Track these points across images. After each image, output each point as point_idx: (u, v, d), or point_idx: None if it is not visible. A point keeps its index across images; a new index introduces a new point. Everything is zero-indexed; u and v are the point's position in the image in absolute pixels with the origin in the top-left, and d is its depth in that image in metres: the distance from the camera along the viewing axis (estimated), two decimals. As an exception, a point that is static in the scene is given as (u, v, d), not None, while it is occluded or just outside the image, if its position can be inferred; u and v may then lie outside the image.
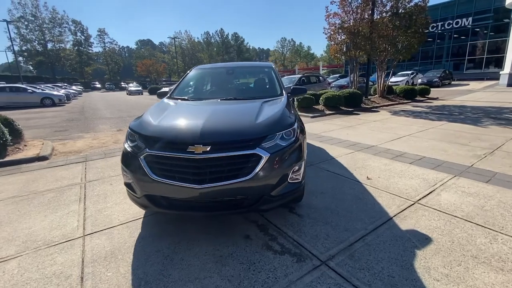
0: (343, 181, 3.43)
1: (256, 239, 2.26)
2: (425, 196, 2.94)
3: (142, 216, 2.71)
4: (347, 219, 2.52)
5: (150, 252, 2.14)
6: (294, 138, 2.27)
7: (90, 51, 58.96)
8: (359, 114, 9.85)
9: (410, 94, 13.87)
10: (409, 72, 23.85)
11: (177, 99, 3.15)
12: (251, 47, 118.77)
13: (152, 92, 30.30)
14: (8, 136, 5.16)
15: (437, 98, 14.52)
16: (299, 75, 14.36)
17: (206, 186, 1.96)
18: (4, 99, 16.06)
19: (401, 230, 2.31)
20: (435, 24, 29.20)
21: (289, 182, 2.23)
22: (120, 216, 2.73)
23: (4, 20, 28.23)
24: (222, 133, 2.08)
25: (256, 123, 2.20)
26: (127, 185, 2.30)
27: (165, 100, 3.11)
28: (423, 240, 2.17)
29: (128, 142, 2.30)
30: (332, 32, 12.13)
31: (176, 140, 2.06)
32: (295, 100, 5.16)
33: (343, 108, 10.81)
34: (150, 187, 2.08)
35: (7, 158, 4.81)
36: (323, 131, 6.71)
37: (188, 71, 3.82)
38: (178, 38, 66.68)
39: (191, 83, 3.57)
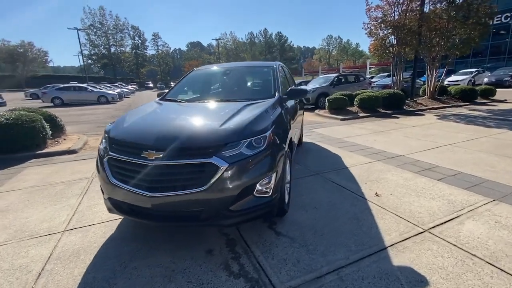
0: (346, 196, 3.01)
1: (217, 255, 2.06)
2: (441, 224, 2.38)
3: (122, 217, 2.72)
4: (330, 243, 2.16)
5: (110, 256, 2.10)
6: (264, 147, 2.00)
7: (145, 54, 64.82)
8: (398, 117, 8.82)
9: (468, 95, 11.98)
10: (473, 70, 20.66)
11: (167, 100, 3.11)
12: (296, 46, 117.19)
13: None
14: (48, 130, 5.82)
15: (505, 100, 12.26)
16: (335, 74, 13.51)
17: (158, 194, 1.84)
18: (69, 97, 18.53)
19: (392, 266, 1.87)
20: (509, 14, 24.84)
21: (256, 196, 1.98)
22: (104, 214, 2.78)
23: (75, 28, 32.88)
24: (178, 138, 1.93)
25: (219, 129, 2.00)
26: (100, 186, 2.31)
27: (155, 101, 3.10)
28: (416, 283, 1.71)
29: (101, 143, 2.31)
30: (373, 27, 11.09)
31: (132, 144, 1.98)
32: (302, 101, 4.75)
33: (381, 110, 9.81)
34: (111, 190, 2.04)
35: (44, 150, 5.42)
36: (348, 136, 6.12)
37: (189, 72, 3.78)
38: (223, 39, 69.19)
39: (188, 83, 3.51)
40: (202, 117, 2.33)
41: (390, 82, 13.74)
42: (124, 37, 59.82)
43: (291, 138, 2.83)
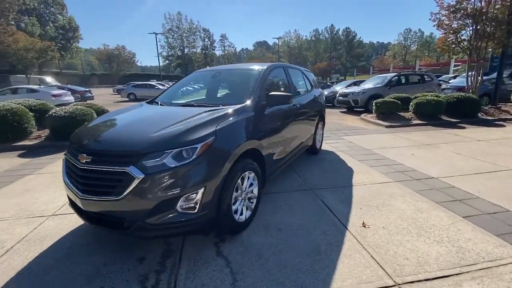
0: (324, 221, 2.57)
1: (145, 265, 2.00)
2: (426, 280, 1.79)
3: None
4: (264, 277, 1.86)
5: (64, 246, 2.27)
6: (192, 159, 1.85)
7: (213, 54, 69.74)
8: (464, 128, 7.19)
9: None
10: None
11: (151, 102, 3.18)
12: (368, 42, 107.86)
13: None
14: (98, 123, 6.78)
15: None
16: (393, 74, 11.85)
17: (85, 197, 1.89)
18: (140, 93, 21.43)
19: (316, 324, 1.49)
20: None
21: (179, 212, 1.85)
22: (89, 205, 3.05)
23: (154, 33, 37.71)
24: (105, 144, 1.93)
25: (147, 137, 1.92)
26: None
27: (141, 103, 3.21)
28: None
29: None
30: (444, 18, 9.26)
31: (74, 146, 2.08)
32: (319, 104, 4.20)
33: (444, 118, 8.17)
34: (65, 187, 2.20)
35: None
36: (381, 147, 5.28)
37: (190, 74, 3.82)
38: (286, 37, 68.93)
39: (180, 86, 3.53)
40: (151, 123, 2.27)
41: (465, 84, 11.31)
42: (196, 39, 65.62)
43: (269, 152, 2.58)
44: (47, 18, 38.44)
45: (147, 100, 3.25)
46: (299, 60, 68.70)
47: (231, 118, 2.27)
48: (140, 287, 1.80)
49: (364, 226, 2.46)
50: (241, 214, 2.38)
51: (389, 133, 6.80)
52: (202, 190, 1.87)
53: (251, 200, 2.56)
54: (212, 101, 2.97)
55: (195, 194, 1.85)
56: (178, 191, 1.81)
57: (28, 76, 28.37)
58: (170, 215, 1.83)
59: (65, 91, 15.49)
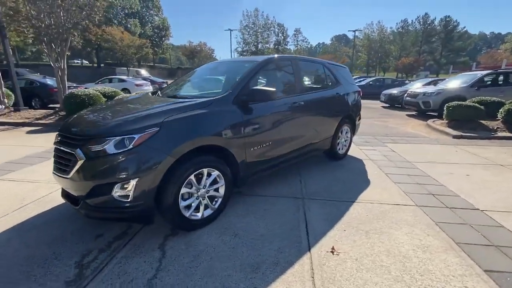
0: (290, 236, 2.25)
1: (94, 243, 2.15)
2: None
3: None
4: (183, 283, 1.75)
5: (49, 213, 2.65)
6: (128, 148, 1.86)
7: (286, 49, 69.57)
8: None
9: None
10: None
11: (155, 93, 3.32)
12: (476, 33, 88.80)
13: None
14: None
15: None
16: (485, 72, 9.35)
17: (55, 173, 2.14)
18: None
19: None
20: None
21: (115, 198, 1.90)
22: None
23: (229, 29, 40.08)
24: (69, 128, 2.12)
25: (102, 123, 2.03)
26: None
27: (145, 92, 3.39)
28: None
29: None
30: None
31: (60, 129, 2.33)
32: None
33: (551, 132, 6.04)
34: None
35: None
36: (428, 161, 4.28)
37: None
38: (367, 30, 62.63)
39: (186, 78, 3.58)
40: (120, 112, 2.32)
41: None
42: (269, 35, 66.64)
43: (246, 151, 2.45)
44: (147, 19, 45.55)
45: (152, 90, 3.44)
46: (380, 55, 61.76)
47: (189, 111, 2.19)
48: (79, 259, 1.96)
49: (332, 252, 2.04)
50: (196, 211, 2.30)
51: (452, 145, 5.45)
52: (135, 180, 1.87)
53: (216, 199, 2.44)
54: (198, 94, 2.92)
55: (128, 184, 1.87)
56: (113, 178, 1.86)
57: (128, 68, 34.30)
58: (106, 200, 1.90)
59: (146, 82, 18.08)
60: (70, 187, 2.04)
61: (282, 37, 67.40)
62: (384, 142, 5.56)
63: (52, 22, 7.55)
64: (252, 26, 64.32)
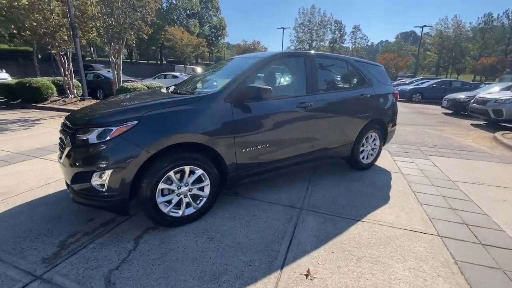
0: (268, 249, 2.04)
1: (83, 226, 2.28)
2: None
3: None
4: (140, 280, 1.72)
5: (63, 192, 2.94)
6: (105, 140, 1.91)
7: (341, 47, 66.10)
8: None
9: None
10: None
11: (168, 88, 3.39)
12: None
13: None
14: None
15: None
16: None
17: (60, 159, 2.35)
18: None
19: None
20: None
21: (93, 186, 1.98)
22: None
23: (281, 27, 39.64)
24: (70, 117, 2.28)
25: (94, 114, 2.13)
26: None
27: (158, 88, 3.48)
28: None
29: None
30: None
31: None
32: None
33: None
34: None
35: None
36: (475, 182, 3.50)
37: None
38: (440, 26, 55.00)
39: (201, 74, 3.55)
40: (117, 104, 2.40)
41: None
42: (325, 32, 64.14)
43: (236, 151, 2.35)
44: (206, 19, 48.29)
45: (169, 86, 3.55)
46: (454, 54, 53.82)
47: (171, 107, 2.15)
48: (64, 238, 2.11)
49: (307, 276, 1.77)
50: (177, 208, 2.26)
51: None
52: (110, 171, 1.91)
53: (200, 198, 2.38)
54: (200, 90, 2.87)
55: (103, 174, 1.92)
56: (92, 166, 1.93)
57: (185, 66, 36.97)
58: (87, 187, 1.99)
59: (196, 78, 19.17)
60: (62, 172, 2.20)
61: (339, 35, 64.24)
62: (427, 154, 4.76)
63: (112, 22, 8.51)
64: (308, 23, 62.79)
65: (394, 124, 4.08)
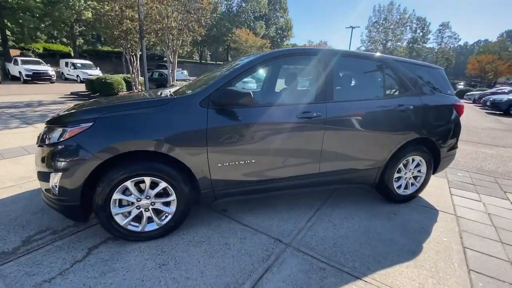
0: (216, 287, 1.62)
1: (56, 222, 2.27)
2: None
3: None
4: (57, 300, 1.53)
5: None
6: (60, 141, 1.81)
7: (423, 48, 57.79)
8: None
9: None
10: None
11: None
12: None
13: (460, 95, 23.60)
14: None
15: None
16: None
17: None
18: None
19: None
20: None
21: (52, 187, 1.89)
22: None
23: (350, 27, 36.65)
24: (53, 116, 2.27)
25: (66, 112, 2.05)
26: None
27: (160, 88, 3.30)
28: None
29: None
30: None
31: None
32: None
33: None
34: None
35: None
36: None
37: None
38: None
39: (209, 74, 3.25)
40: (93, 104, 2.33)
41: None
42: (404, 31, 57.06)
43: (208, 164, 2.04)
44: (273, 21, 48.73)
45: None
46: None
47: (133, 109, 1.91)
48: (33, 233, 2.12)
49: None
50: (138, 222, 2.04)
51: None
52: (59, 174, 1.79)
53: (166, 215, 2.10)
54: (188, 92, 2.58)
55: (56, 176, 1.81)
56: (47, 167, 1.85)
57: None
58: (46, 187, 1.93)
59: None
60: None
61: (421, 34, 56.36)
62: (506, 192, 3.46)
63: (172, 23, 9.12)
64: (383, 22, 57.01)
65: (454, 147, 3.05)
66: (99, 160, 1.79)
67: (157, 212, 2.09)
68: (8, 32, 22.65)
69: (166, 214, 2.10)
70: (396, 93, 2.73)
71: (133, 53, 11.16)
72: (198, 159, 2.00)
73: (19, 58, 18.24)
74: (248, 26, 43.79)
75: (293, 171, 2.36)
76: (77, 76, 19.68)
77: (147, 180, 1.95)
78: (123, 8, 9.53)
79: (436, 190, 3.34)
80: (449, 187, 3.51)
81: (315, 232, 2.33)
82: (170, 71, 9.96)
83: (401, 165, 2.80)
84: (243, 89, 1.95)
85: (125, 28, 9.93)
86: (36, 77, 17.33)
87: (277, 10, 49.29)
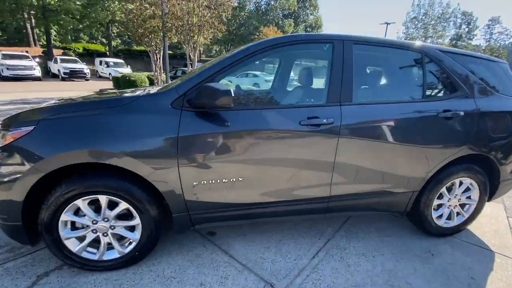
0: None
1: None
2: None
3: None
4: None
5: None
6: (1, 146, 1.46)
7: (468, 45, 52.43)
8: None
9: None
10: None
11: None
12: None
13: None
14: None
15: None
16: None
17: None
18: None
19: None
20: None
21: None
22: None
23: (385, 23, 34.18)
24: None
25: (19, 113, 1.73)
26: None
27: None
28: None
29: None
30: None
31: None
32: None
33: None
34: None
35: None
36: None
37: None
38: None
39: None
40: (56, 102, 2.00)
41: None
42: (446, 27, 52.31)
43: (180, 182, 1.60)
44: (302, 18, 47.39)
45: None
46: None
47: (86, 110, 1.52)
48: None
49: None
50: (95, 249, 1.66)
51: None
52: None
53: (130, 241, 1.70)
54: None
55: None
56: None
57: (274, 65, 37.45)
58: None
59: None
60: None
61: (466, 30, 51.21)
62: None
63: (194, 20, 8.91)
64: (422, 18, 52.76)
65: (522, 168, 2.29)
66: (39, 174, 1.43)
67: (120, 237, 1.70)
68: (54, 33, 24.62)
69: (130, 241, 1.70)
70: (441, 94, 2.06)
71: (156, 51, 11.22)
72: (166, 176, 1.56)
73: (58, 57, 19.53)
74: (276, 24, 43.08)
75: (295, 193, 1.83)
76: (109, 74, 20.59)
77: (103, 199, 1.55)
78: (147, 5, 9.54)
79: (489, 221, 2.59)
80: (507, 217, 2.72)
81: (321, 275, 1.78)
82: (190, 68, 9.78)
83: (443, 189, 2.13)
84: (224, 86, 1.47)
85: (148, 26, 9.95)
86: (73, 75, 18.37)
87: (307, 8, 47.86)
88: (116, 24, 29.15)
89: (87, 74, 19.08)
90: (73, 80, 18.52)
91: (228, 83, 2.56)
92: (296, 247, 2.04)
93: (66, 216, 1.54)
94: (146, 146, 1.51)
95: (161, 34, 9.98)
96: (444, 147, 1.99)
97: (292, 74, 2.30)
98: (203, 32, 8.92)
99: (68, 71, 18.09)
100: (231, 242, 2.05)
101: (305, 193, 1.85)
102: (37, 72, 16.16)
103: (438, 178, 2.05)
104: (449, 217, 2.26)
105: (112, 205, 1.60)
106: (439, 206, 2.21)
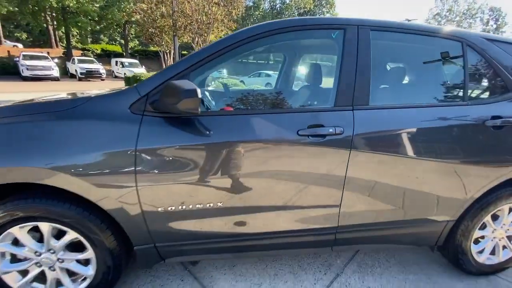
0: None
1: None
2: None
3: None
4: None
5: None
6: None
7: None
8: None
9: None
10: None
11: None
12: None
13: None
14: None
15: None
16: None
17: None
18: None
19: None
20: None
21: None
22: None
23: (406, 20, 32.68)
24: None
25: None
26: None
27: None
28: None
29: None
30: None
31: None
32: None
33: None
34: None
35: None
36: None
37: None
38: None
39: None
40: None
41: None
42: (473, 23, 49.35)
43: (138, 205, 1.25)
44: (317, 16, 46.50)
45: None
46: None
47: (25, 114, 1.20)
48: None
49: None
50: (42, 284, 1.35)
51: None
52: None
53: (83, 278, 1.38)
54: None
55: None
56: None
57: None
58: None
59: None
60: None
61: (494, 26, 48.05)
62: None
63: (203, 18, 8.68)
64: (446, 14, 50.04)
65: None
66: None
67: (71, 272, 1.38)
68: (75, 34, 25.39)
69: (84, 278, 1.37)
70: (488, 95, 1.59)
71: (167, 51, 11.11)
72: (121, 200, 1.22)
73: (76, 58, 20.03)
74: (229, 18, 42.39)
75: (291, 223, 1.43)
76: (124, 73, 20.92)
77: (45, 226, 1.23)
78: (157, 4, 9.41)
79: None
80: None
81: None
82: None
83: (488, 218, 1.65)
84: (190, 84, 1.10)
85: (159, 25, 9.83)
86: (89, 75, 18.77)
87: (323, 6, 46.81)
88: (133, 25, 29.79)
89: (103, 74, 19.45)
90: (89, 80, 18.92)
91: (240, 84, 2.22)
92: (295, 285, 1.64)
93: (4, 247, 1.24)
94: (92, 161, 1.17)
95: (171, 33, 9.83)
96: (491, 164, 1.52)
97: (292, 69, 1.91)
98: (213, 30, 8.65)
99: (84, 71, 18.49)
100: (215, 275, 1.69)
101: (305, 224, 1.45)
102: (55, 72, 16.61)
103: (482, 204, 1.59)
104: (492, 252, 1.78)
105: (59, 234, 1.29)
106: (480, 239, 1.73)
